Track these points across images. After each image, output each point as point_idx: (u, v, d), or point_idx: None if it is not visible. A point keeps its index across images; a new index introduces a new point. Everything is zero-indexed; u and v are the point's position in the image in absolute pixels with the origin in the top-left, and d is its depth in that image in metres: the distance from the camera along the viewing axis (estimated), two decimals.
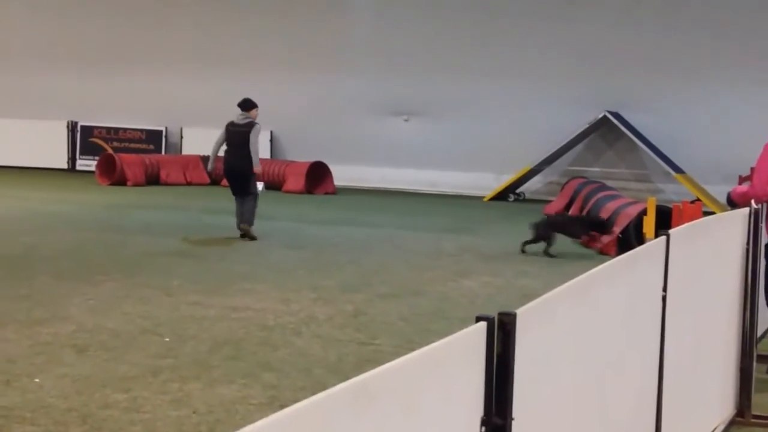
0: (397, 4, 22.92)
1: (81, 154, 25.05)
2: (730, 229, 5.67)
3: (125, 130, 24.77)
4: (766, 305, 6.75)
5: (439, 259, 12.14)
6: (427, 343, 2.17)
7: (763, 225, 6.14)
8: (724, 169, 18.46)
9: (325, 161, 21.65)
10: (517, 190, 21.45)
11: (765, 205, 6.37)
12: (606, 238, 12.86)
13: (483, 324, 2.35)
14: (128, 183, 21.27)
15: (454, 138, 22.39)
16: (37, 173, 23.59)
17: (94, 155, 24.02)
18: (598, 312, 3.37)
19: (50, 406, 5.79)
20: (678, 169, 19.79)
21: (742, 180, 15.11)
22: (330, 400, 1.80)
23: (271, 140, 23.46)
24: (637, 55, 21.01)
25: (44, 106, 25.05)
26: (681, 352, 4.49)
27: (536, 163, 20.94)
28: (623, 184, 20.14)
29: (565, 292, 2.96)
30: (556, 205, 18.61)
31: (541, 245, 12.60)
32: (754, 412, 5.88)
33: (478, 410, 2.35)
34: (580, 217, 14.21)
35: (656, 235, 4.39)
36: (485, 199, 20.93)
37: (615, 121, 20.46)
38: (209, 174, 19.62)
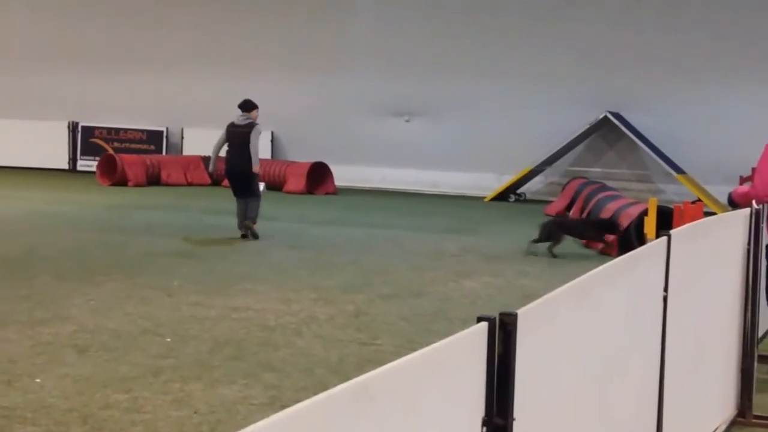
0: (397, 4, 22.93)
1: (82, 154, 25.06)
2: (731, 229, 5.67)
3: (126, 130, 24.78)
4: (767, 305, 6.75)
5: (440, 260, 12.13)
6: (429, 344, 2.17)
7: (764, 225, 6.14)
8: (725, 169, 18.47)
9: (326, 162, 21.66)
10: (518, 191, 21.45)
11: (766, 205, 6.37)
12: (612, 238, 12.85)
13: (484, 324, 2.34)
14: (129, 183, 21.28)
15: (455, 138, 22.40)
16: (38, 174, 23.59)
17: (95, 156, 24.03)
18: (600, 312, 3.37)
19: (51, 406, 5.79)
20: (679, 170, 19.79)
21: (743, 180, 15.13)
22: (331, 400, 1.80)
23: (272, 141, 23.47)
24: (638, 55, 21.02)
25: (45, 107, 25.06)
26: (682, 353, 4.49)
27: (537, 163, 20.94)
28: (624, 185, 20.14)
29: (567, 292, 2.96)
30: (557, 205, 18.61)
31: (541, 244, 12.59)
32: (755, 412, 5.88)
33: (479, 410, 2.35)
34: (593, 221, 13.95)
35: (657, 236, 4.39)
36: (486, 200, 20.93)
37: (616, 122, 20.46)
38: (210, 175, 19.63)
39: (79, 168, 24.91)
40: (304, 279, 10.34)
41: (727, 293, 5.59)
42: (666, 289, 4.18)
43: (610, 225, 12.93)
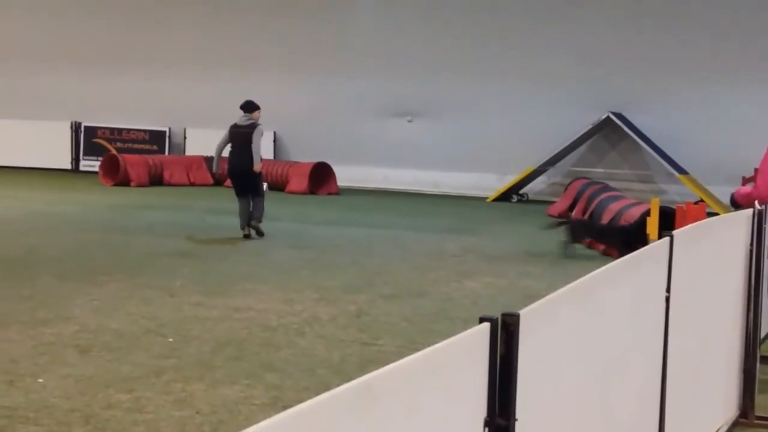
0: (398, 4, 22.93)
1: (85, 154, 25.07)
2: (733, 230, 5.67)
3: (129, 130, 24.79)
4: None
5: (442, 260, 12.13)
6: (430, 344, 2.17)
7: (767, 226, 6.13)
8: (728, 170, 18.45)
9: (328, 162, 21.66)
10: (521, 191, 21.44)
11: None
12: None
13: (486, 325, 2.34)
14: (132, 183, 21.29)
15: (456, 139, 22.39)
16: (40, 174, 23.61)
17: (97, 156, 24.05)
18: (602, 313, 3.37)
19: (53, 406, 5.79)
20: (681, 170, 19.78)
21: (745, 181, 15.11)
22: (333, 400, 1.80)
23: (274, 141, 23.48)
24: (639, 55, 21.00)
25: (48, 107, 25.07)
26: (684, 353, 4.49)
27: (539, 163, 20.93)
28: (626, 185, 20.13)
29: (569, 293, 2.95)
30: (559, 206, 18.60)
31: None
32: (758, 413, 5.87)
33: (481, 411, 2.35)
34: (617, 228, 13.32)
35: (659, 236, 4.38)
36: (488, 200, 20.93)
37: (618, 122, 20.45)
38: (212, 175, 19.66)
39: (81, 168, 24.91)
40: (306, 279, 10.34)
41: (729, 294, 5.58)
42: (668, 290, 4.18)
43: (634, 233, 12.08)
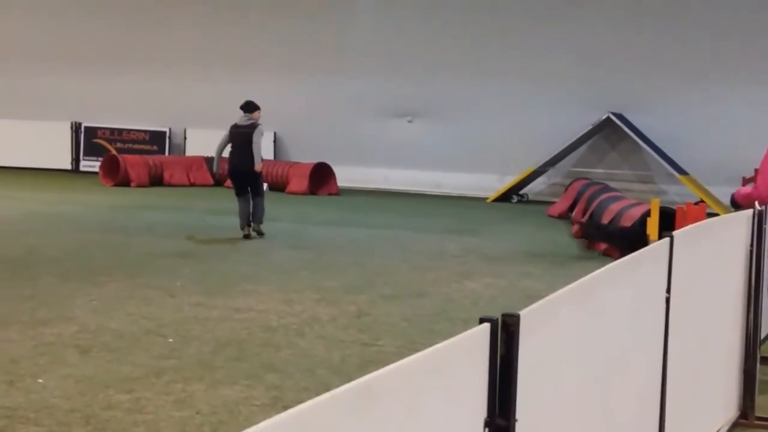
0: (398, 4, 22.93)
1: (85, 155, 25.07)
2: (733, 230, 5.67)
3: (129, 131, 24.79)
4: None
5: (442, 261, 12.13)
6: (431, 344, 2.17)
7: (767, 227, 6.13)
8: (728, 170, 18.45)
9: (328, 162, 21.66)
10: (521, 192, 21.44)
11: None
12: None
13: (486, 325, 2.34)
14: (132, 184, 21.30)
15: (457, 139, 22.40)
16: (41, 174, 23.61)
17: (97, 156, 24.06)
18: (602, 314, 3.37)
19: (53, 406, 5.79)
20: (681, 171, 19.78)
21: (745, 182, 15.10)
22: (333, 401, 1.80)
23: (274, 141, 23.48)
24: (640, 56, 21.01)
25: (48, 107, 25.07)
26: (684, 354, 4.49)
27: (540, 164, 20.93)
28: (627, 186, 20.12)
29: (569, 293, 2.95)
30: (559, 206, 18.60)
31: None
32: (758, 414, 5.87)
33: (481, 411, 2.35)
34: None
35: (660, 237, 4.38)
36: (488, 200, 20.93)
37: (618, 123, 20.45)
38: (213, 175, 19.66)
39: (82, 168, 24.92)
40: (306, 279, 10.34)
41: (729, 294, 5.58)
42: (668, 291, 4.18)
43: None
